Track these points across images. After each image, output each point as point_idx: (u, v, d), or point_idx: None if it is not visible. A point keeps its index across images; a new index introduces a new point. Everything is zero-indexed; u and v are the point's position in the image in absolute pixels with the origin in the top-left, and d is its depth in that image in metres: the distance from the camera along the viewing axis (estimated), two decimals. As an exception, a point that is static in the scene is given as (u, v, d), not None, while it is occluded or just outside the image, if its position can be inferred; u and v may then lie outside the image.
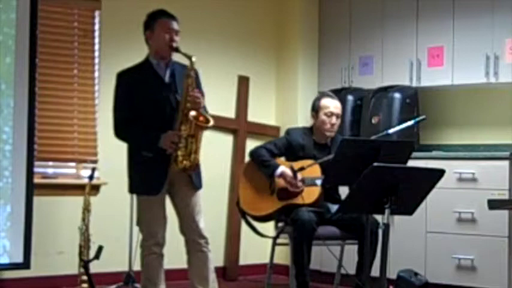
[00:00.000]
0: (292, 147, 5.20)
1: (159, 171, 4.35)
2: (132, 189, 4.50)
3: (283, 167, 5.06)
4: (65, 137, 5.98)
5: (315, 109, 5.25)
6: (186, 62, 4.41)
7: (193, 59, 4.33)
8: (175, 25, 4.43)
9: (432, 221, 5.76)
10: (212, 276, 4.46)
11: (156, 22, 4.42)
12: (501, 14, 5.76)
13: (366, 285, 4.49)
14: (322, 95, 5.42)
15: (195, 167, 4.38)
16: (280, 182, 5.06)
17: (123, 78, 4.46)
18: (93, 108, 6.10)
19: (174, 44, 4.39)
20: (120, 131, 4.41)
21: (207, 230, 4.47)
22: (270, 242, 5.30)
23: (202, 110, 4.37)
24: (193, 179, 4.43)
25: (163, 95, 4.39)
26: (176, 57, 4.50)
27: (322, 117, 5.19)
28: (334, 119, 5.19)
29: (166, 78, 4.43)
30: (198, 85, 4.40)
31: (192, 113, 4.29)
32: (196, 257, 4.43)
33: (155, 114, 4.37)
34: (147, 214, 4.40)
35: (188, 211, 4.43)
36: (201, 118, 4.31)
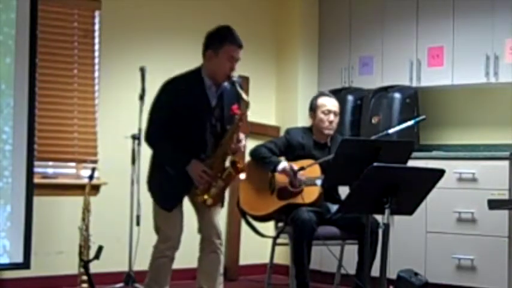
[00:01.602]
0: (292, 146, 5.20)
1: (178, 190, 4.30)
2: (150, 189, 4.42)
3: (285, 163, 5.06)
4: (65, 137, 5.97)
5: (313, 108, 5.26)
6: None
7: (245, 97, 4.24)
8: (239, 54, 4.31)
9: (432, 221, 5.76)
10: (220, 280, 4.44)
11: (223, 47, 4.27)
12: (501, 14, 5.76)
13: (366, 285, 4.49)
14: (318, 94, 5.44)
15: (217, 204, 4.33)
16: (282, 179, 5.06)
17: (171, 87, 4.30)
18: (93, 108, 6.10)
19: (232, 75, 4.27)
20: (152, 140, 4.30)
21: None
22: (270, 242, 5.29)
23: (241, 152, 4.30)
24: None
25: (205, 119, 4.28)
26: None
27: (320, 115, 5.19)
28: (332, 117, 5.19)
29: (213, 102, 4.32)
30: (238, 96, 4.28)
31: (231, 157, 4.21)
32: (209, 258, 4.41)
33: (191, 136, 4.27)
34: (165, 218, 4.33)
35: (209, 210, 4.39)
36: (238, 165, 4.22)
